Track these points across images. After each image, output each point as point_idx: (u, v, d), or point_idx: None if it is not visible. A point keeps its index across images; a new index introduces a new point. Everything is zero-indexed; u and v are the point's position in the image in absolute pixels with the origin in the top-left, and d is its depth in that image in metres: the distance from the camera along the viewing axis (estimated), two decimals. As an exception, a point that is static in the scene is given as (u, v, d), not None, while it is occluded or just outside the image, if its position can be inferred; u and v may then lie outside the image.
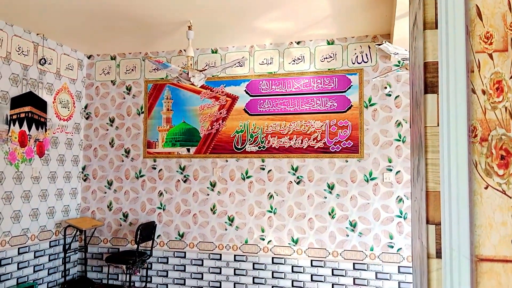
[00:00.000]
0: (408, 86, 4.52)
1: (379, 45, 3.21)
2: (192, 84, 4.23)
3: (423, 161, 1.12)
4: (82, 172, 5.58)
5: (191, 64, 4.13)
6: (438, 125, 1.08)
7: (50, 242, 5.04)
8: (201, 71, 4.09)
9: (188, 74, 4.04)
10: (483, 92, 1.04)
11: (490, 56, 1.04)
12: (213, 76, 5.02)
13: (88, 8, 4.01)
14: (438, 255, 1.05)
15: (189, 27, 4.24)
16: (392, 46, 3.16)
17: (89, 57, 5.65)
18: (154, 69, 5.39)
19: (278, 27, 4.47)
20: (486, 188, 1.02)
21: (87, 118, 5.62)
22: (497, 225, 1.01)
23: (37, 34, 4.84)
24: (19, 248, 4.61)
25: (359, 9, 3.95)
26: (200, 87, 5.10)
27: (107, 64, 5.57)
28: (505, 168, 1.00)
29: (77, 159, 5.52)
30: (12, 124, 4.52)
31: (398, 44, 4.06)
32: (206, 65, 5.15)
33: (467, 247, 1.02)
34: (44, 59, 4.89)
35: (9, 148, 4.48)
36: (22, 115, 4.66)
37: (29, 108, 4.74)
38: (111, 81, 5.54)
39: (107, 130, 5.53)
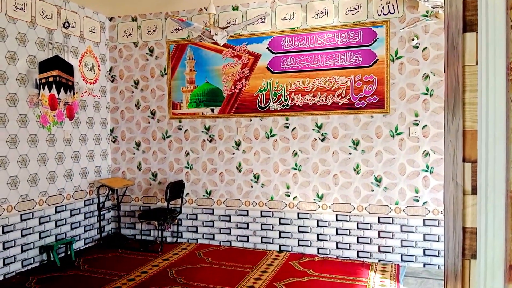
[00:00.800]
0: (437, 37, 4.38)
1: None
2: (215, 43, 4.22)
3: (460, 102, 1.13)
4: (111, 134, 5.73)
5: (213, 22, 4.09)
6: (476, 64, 1.07)
7: (84, 201, 5.28)
8: (223, 28, 4.05)
9: (210, 32, 4.01)
10: (524, 27, 1.02)
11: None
12: (235, 34, 4.96)
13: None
14: (474, 191, 1.08)
15: (210, -17, 4.16)
16: (423, -6, 3.05)
17: (110, 19, 5.66)
18: (176, 29, 5.36)
19: (301, -20, 4.35)
20: (524, 124, 1.02)
21: (112, 81, 5.70)
22: (535, 161, 1.02)
23: (59, -3, 4.85)
24: (56, 207, 4.86)
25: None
26: (222, 46, 5.06)
27: (128, 25, 5.58)
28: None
29: (105, 121, 5.66)
30: (41, 88, 4.64)
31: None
32: (228, 23, 5.10)
33: (502, 183, 1.04)
34: (68, 22, 4.93)
35: (40, 111, 4.63)
36: (51, 79, 4.77)
37: (57, 72, 4.83)
38: (134, 43, 5.57)
39: (132, 92, 5.61)
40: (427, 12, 4.34)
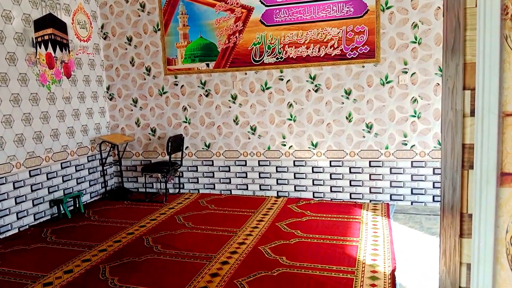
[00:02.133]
0: (425, -13, 4.52)
1: None
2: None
3: (461, 39, 1.34)
4: (107, 92, 5.82)
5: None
6: (476, 6, 1.28)
7: (87, 157, 5.45)
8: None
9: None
10: (517, -26, 1.23)
11: None
12: (228, -13, 4.99)
13: None
14: (472, 114, 1.32)
15: None
16: None
17: (99, -25, 5.59)
18: (167, -16, 5.35)
19: None
20: (514, 56, 1.25)
21: (105, 38, 5.71)
22: (522, 86, 1.26)
23: (48, -48, 4.77)
24: (61, 163, 5.02)
25: None
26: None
27: (118, -19, 5.53)
28: (532, 38, 1.22)
29: (101, 79, 5.73)
30: (38, 46, 4.67)
31: None
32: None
33: (496, 105, 1.29)
34: (58, -22, 4.88)
35: (39, 70, 4.68)
36: (46, 37, 4.78)
37: (51, 30, 4.84)
38: (125, -1, 5.54)
39: (126, 49, 5.65)
40: (416, -39, 4.46)
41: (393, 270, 3.20)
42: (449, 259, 1.58)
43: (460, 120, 1.37)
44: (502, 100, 1.28)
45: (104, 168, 5.61)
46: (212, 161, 5.57)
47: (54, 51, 4.88)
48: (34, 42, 4.61)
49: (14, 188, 4.39)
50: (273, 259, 3.47)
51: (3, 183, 4.27)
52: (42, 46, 4.72)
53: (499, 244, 1.35)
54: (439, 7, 4.52)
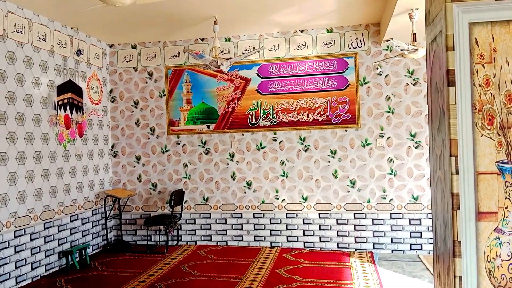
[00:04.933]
0: (396, 67, 5.48)
1: (387, 41, 4.13)
2: (220, 71, 5.01)
3: (446, 123, 2.04)
4: (111, 149, 6.28)
5: (217, 54, 4.88)
6: (455, 103, 2.00)
7: (92, 211, 5.79)
8: (227, 59, 4.87)
9: (217, 62, 4.81)
10: (479, 85, 1.97)
11: (483, 65, 1.96)
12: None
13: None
14: (457, 172, 1.99)
15: (215, 21, 4.96)
16: (396, 41, 4.07)
17: (110, 46, 6.26)
18: (174, 56, 6.09)
19: (288, 19, 5.28)
20: (481, 136, 1.96)
21: (112, 101, 6.28)
22: (487, 155, 1.96)
23: (72, 28, 5.42)
24: (70, 216, 5.34)
25: (359, 4, 4.82)
26: (216, 71, 5.86)
27: (128, 52, 6.21)
28: (491, 125, 1.94)
29: (107, 138, 6.21)
30: (59, 109, 5.17)
31: (383, 28, 5.03)
32: (221, 52, 5.89)
33: (472, 167, 1.97)
34: (80, 50, 5.50)
35: (58, 130, 5.14)
36: (65, 101, 5.30)
37: (70, 94, 5.38)
38: (133, 68, 6.20)
39: (132, 111, 6.22)
40: (387, 46, 5.44)
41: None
42: (444, 276, 2.18)
43: (448, 176, 2.04)
44: (475, 164, 1.96)
45: (107, 221, 5.93)
46: (210, 213, 6.03)
47: (71, 113, 5.39)
48: (56, 105, 5.12)
49: (31, 239, 4.67)
50: (282, 300, 3.92)
51: (22, 235, 4.55)
52: (62, 108, 5.22)
53: (480, 261, 1.97)
54: (408, 84, 5.46)
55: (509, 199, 1.96)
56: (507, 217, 1.96)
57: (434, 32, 2.26)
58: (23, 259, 4.56)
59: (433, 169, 2.42)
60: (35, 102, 4.78)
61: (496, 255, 1.97)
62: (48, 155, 4.96)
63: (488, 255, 1.98)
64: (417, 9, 4.11)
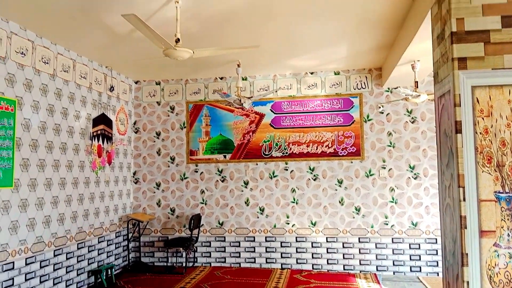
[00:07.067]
0: (396, 107, 6.16)
1: (395, 88, 4.82)
2: (242, 108, 5.61)
3: (454, 161, 2.65)
4: (133, 176, 6.76)
5: (240, 93, 5.50)
6: (462, 146, 2.61)
7: (115, 233, 6.21)
8: (249, 98, 5.49)
9: (240, 100, 5.42)
10: (480, 133, 2.59)
11: (482, 118, 2.60)
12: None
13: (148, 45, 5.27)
14: (464, 200, 2.58)
15: (238, 65, 5.60)
16: (403, 89, 4.75)
17: (136, 82, 6.85)
18: (194, 92, 6.69)
19: (301, 63, 5.96)
20: (482, 172, 2.57)
21: (136, 132, 6.81)
22: (487, 186, 2.56)
23: (106, 67, 6.00)
24: (98, 238, 5.76)
25: (365, 53, 5.53)
26: (237, 108, 6.47)
27: (152, 88, 6.80)
28: (489, 163, 2.55)
29: (130, 165, 6.70)
30: (93, 139, 5.68)
31: (384, 73, 5.74)
32: (239, 90, 6.51)
33: (475, 195, 2.56)
34: (112, 86, 6.07)
35: (92, 158, 5.63)
36: (99, 132, 5.82)
37: (103, 126, 5.90)
38: (157, 102, 6.78)
39: (154, 141, 6.75)
40: (388, 88, 6.15)
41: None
42: (453, 283, 2.74)
43: (457, 203, 2.63)
44: (478, 193, 2.56)
45: (125, 243, 6.34)
46: (224, 237, 6.50)
47: (103, 142, 5.89)
48: (91, 135, 5.62)
49: (67, 258, 5.08)
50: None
51: (60, 254, 4.96)
52: (96, 139, 5.73)
53: (482, 269, 2.53)
54: (407, 121, 6.14)
55: (504, 221, 2.55)
56: (503, 234, 2.55)
57: (443, 90, 2.91)
58: (60, 277, 4.95)
59: (442, 197, 3.01)
60: (75, 133, 5.29)
61: (495, 264, 2.54)
62: (83, 181, 5.43)
63: (489, 264, 2.55)
64: (419, 60, 4.81)
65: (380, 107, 6.18)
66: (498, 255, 2.54)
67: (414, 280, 5.72)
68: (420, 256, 5.96)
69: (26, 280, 4.39)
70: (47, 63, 4.79)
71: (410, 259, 5.99)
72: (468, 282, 2.55)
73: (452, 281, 2.81)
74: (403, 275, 5.97)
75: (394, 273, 6.00)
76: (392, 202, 6.10)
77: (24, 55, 4.43)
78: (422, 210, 5.99)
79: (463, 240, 2.58)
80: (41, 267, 4.62)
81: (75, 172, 5.26)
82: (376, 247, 6.10)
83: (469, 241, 2.57)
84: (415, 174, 6.06)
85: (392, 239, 6.06)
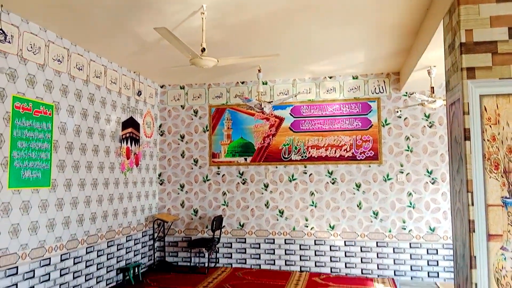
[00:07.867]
0: (414, 111, 6.24)
1: (412, 94, 4.92)
2: (263, 112, 5.82)
3: (464, 167, 2.77)
4: (159, 178, 7.05)
5: (260, 98, 5.70)
6: (471, 153, 2.73)
7: (142, 232, 6.50)
8: (269, 102, 5.68)
9: (261, 105, 5.62)
10: (488, 140, 2.71)
11: (490, 126, 2.72)
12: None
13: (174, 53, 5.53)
14: (472, 204, 2.70)
15: (259, 70, 5.81)
16: (419, 95, 4.87)
17: (161, 87, 7.15)
18: (217, 97, 6.94)
19: (320, 68, 6.12)
20: (490, 178, 2.69)
21: (161, 135, 7.11)
22: (494, 192, 2.68)
23: (134, 72, 6.32)
24: (126, 237, 6.06)
25: (383, 58, 5.65)
26: (258, 112, 6.67)
27: (177, 92, 7.09)
28: (497, 170, 2.67)
29: (155, 167, 7.00)
30: (122, 142, 5.98)
31: (402, 77, 5.84)
32: (259, 94, 6.72)
33: (483, 200, 2.68)
34: (140, 91, 6.38)
35: (121, 160, 5.94)
36: (127, 134, 6.12)
37: (131, 129, 6.21)
38: (181, 106, 7.06)
39: (179, 144, 7.03)
40: (406, 93, 6.23)
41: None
42: (463, 285, 2.85)
43: (466, 207, 2.74)
44: (486, 198, 2.67)
45: (151, 243, 6.63)
46: (245, 238, 6.70)
47: (131, 145, 6.20)
48: (121, 138, 5.94)
49: (97, 256, 5.38)
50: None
51: (91, 251, 5.27)
52: (124, 141, 6.04)
53: (490, 272, 2.64)
54: (424, 126, 6.20)
55: (511, 225, 2.66)
56: (509, 238, 2.66)
57: (453, 98, 3.03)
58: (91, 273, 5.25)
59: (453, 201, 3.13)
60: (106, 136, 5.60)
61: (502, 267, 2.65)
62: (113, 181, 5.74)
63: (496, 267, 2.66)
64: (435, 66, 4.91)
65: (398, 112, 6.27)
66: (505, 258, 2.65)
67: (432, 286, 5.77)
68: (437, 261, 6.01)
69: (61, 275, 4.70)
70: (81, 70, 5.12)
71: (428, 264, 6.04)
72: (476, 284, 2.67)
73: (462, 283, 2.93)
74: (420, 280, 6.03)
75: (411, 278, 6.07)
76: (410, 206, 6.17)
77: (61, 62, 4.76)
78: (440, 215, 6.04)
79: (472, 243, 2.70)
80: (74, 264, 4.93)
81: (106, 173, 5.57)
82: (394, 251, 6.18)
83: (477, 245, 2.69)
84: (432, 179, 6.11)
85: (410, 244, 6.13)
